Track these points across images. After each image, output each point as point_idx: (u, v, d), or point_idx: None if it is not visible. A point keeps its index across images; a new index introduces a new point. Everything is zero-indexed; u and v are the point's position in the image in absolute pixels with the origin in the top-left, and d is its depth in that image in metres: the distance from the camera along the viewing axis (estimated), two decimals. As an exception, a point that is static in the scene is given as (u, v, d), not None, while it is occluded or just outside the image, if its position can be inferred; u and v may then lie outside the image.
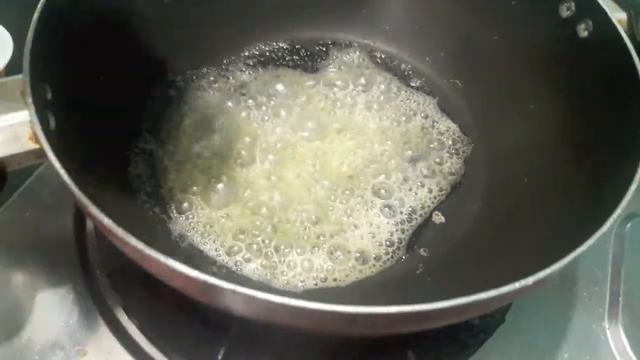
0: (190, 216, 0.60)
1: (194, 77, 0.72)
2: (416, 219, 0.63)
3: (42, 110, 0.45)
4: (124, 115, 0.63)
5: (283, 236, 0.60)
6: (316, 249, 0.59)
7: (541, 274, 0.39)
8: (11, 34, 0.67)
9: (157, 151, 0.65)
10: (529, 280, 0.39)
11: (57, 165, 0.41)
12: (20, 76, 0.45)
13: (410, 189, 0.65)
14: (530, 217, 0.57)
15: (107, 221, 0.39)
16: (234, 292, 0.36)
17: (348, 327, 0.39)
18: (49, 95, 0.48)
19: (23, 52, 0.46)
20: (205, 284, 0.36)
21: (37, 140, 0.43)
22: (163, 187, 0.62)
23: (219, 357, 0.53)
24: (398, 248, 0.61)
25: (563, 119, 0.61)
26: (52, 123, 0.46)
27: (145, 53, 0.66)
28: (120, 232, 0.38)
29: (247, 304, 0.38)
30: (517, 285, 0.38)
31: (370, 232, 0.61)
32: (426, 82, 0.76)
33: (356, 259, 0.59)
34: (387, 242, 0.61)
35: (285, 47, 0.78)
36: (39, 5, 0.49)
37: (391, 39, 0.78)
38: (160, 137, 0.66)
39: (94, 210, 0.39)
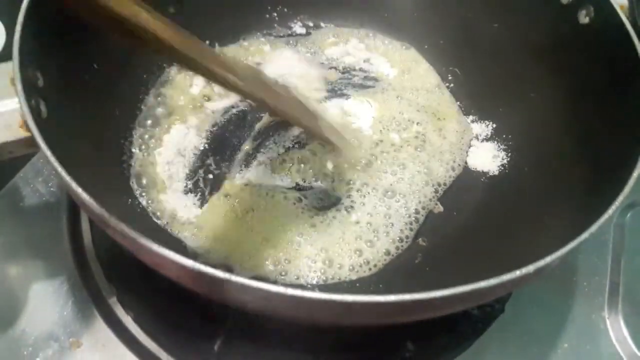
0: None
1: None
2: (423, 215, 0.62)
3: (32, 97, 0.44)
4: (118, 103, 0.63)
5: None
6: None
7: (542, 262, 0.38)
8: (3, 22, 0.66)
9: (151, 140, 0.64)
10: (530, 268, 0.38)
11: (48, 153, 0.40)
12: (10, 63, 0.44)
13: (412, 181, 0.64)
14: (531, 206, 0.57)
15: (100, 210, 0.38)
16: (229, 281, 0.35)
17: (345, 316, 0.38)
18: (40, 83, 0.47)
19: (14, 38, 0.45)
20: (199, 273, 0.35)
21: (27, 129, 0.42)
22: (158, 176, 0.61)
23: (215, 348, 0.53)
24: (407, 242, 0.60)
25: (564, 106, 0.60)
26: (44, 111, 0.46)
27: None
28: (113, 221, 0.37)
29: (244, 293, 0.37)
30: (517, 273, 0.38)
31: (385, 231, 0.60)
32: (425, 71, 0.75)
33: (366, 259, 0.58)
34: (399, 239, 0.60)
35: (282, 36, 0.77)
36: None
37: (390, 27, 0.77)
38: (155, 127, 0.65)
39: (87, 199, 0.39)
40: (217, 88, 0.70)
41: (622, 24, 0.53)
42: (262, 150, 0.66)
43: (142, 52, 0.65)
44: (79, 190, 0.39)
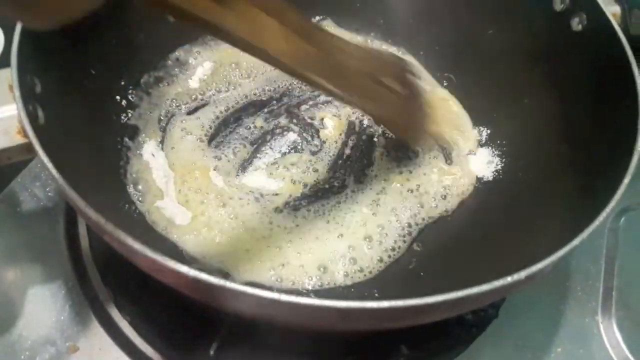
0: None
1: (187, 63, 0.71)
2: (416, 230, 0.62)
3: (30, 103, 0.44)
4: (116, 109, 0.63)
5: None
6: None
7: (534, 268, 0.39)
8: (2, 28, 0.67)
9: (149, 146, 0.64)
10: (522, 274, 0.38)
11: (46, 159, 0.40)
12: (8, 69, 0.45)
13: (410, 192, 0.64)
14: (524, 212, 0.57)
15: (96, 217, 0.38)
16: (224, 288, 0.35)
17: (339, 322, 0.39)
18: (38, 89, 0.47)
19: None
20: (195, 280, 0.36)
21: (25, 135, 0.42)
22: (154, 183, 0.62)
23: (211, 352, 0.53)
24: (399, 252, 0.60)
25: (557, 112, 0.60)
26: (41, 117, 0.46)
27: (137, 44, 0.65)
28: (109, 227, 0.38)
29: (239, 300, 0.38)
30: (509, 279, 0.38)
31: (378, 240, 0.60)
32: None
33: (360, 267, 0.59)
34: (391, 248, 0.60)
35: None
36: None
37: (385, 32, 0.78)
38: (154, 131, 0.66)
39: (83, 206, 0.39)
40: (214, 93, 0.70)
41: (615, 32, 0.54)
42: (258, 155, 0.66)
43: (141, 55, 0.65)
44: (76, 196, 0.39)
